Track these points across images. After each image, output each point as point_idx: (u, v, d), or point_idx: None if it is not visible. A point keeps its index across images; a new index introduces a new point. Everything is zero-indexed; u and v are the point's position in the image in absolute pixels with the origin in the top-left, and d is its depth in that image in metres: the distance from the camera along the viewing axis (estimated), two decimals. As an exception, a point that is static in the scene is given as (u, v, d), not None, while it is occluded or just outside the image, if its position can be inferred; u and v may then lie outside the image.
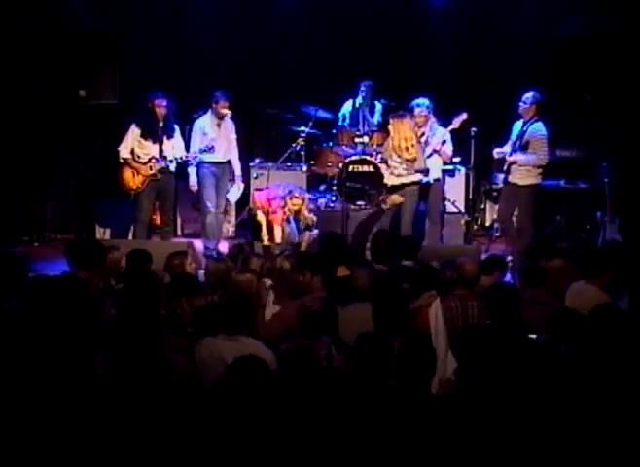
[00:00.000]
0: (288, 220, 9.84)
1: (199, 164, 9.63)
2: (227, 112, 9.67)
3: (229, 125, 9.95)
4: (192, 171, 9.65)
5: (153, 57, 11.09)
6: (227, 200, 10.15)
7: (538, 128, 9.24)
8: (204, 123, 9.71)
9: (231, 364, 4.31)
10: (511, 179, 9.39)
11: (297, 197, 9.78)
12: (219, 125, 9.78)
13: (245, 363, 4.24)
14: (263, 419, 4.01)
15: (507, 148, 9.45)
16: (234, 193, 10.16)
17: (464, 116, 9.62)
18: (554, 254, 7.02)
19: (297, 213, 9.82)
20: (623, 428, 4.03)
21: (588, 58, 10.26)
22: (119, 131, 9.74)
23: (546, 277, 6.38)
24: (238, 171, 10.08)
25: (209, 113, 9.74)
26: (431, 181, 9.67)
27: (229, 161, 9.87)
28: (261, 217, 9.90)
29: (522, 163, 9.25)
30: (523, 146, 9.25)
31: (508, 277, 7.71)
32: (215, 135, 9.70)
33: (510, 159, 9.32)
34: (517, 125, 9.42)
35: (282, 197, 9.80)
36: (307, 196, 9.99)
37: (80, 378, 4.38)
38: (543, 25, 10.79)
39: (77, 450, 3.89)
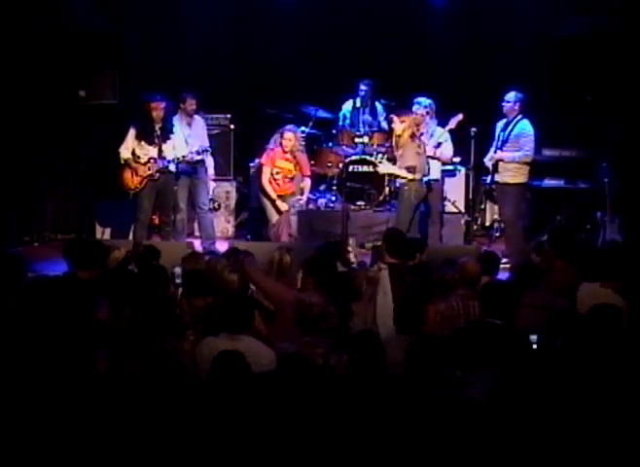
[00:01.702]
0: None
1: (176, 164, 9.64)
2: (194, 108, 9.81)
3: (199, 123, 10.01)
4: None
5: (153, 57, 11.08)
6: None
7: (525, 126, 9.37)
8: (175, 123, 9.71)
9: (213, 361, 4.34)
10: (500, 179, 9.48)
11: (288, 131, 9.84)
12: (189, 124, 9.85)
13: (226, 360, 4.26)
14: (259, 420, 4.02)
15: (489, 154, 9.61)
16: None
17: (460, 117, 9.61)
18: (570, 251, 7.03)
19: (291, 152, 9.84)
20: (623, 430, 4.03)
21: (588, 58, 10.27)
22: (119, 131, 9.74)
23: (542, 277, 6.38)
24: (211, 169, 10.17)
25: (178, 114, 9.76)
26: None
27: (202, 161, 9.88)
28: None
29: (508, 160, 9.36)
30: (510, 143, 9.36)
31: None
32: (186, 134, 9.72)
33: (496, 156, 9.42)
34: (501, 125, 9.54)
35: (274, 141, 9.95)
36: (299, 132, 10.06)
37: (81, 376, 4.38)
38: (543, 25, 10.78)
39: (79, 448, 3.90)
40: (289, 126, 10.00)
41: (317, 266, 6.42)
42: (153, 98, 9.37)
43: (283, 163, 9.90)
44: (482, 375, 4.56)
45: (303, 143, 10.22)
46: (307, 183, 10.19)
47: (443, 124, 9.70)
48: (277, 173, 9.89)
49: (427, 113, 9.63)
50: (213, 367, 4.34)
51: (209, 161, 10.09)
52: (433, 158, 9.63)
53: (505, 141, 9.40)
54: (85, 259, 6.32)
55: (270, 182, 9.86)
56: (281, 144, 9.85)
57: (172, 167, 9.54)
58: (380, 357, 4.65)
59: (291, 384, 4.23)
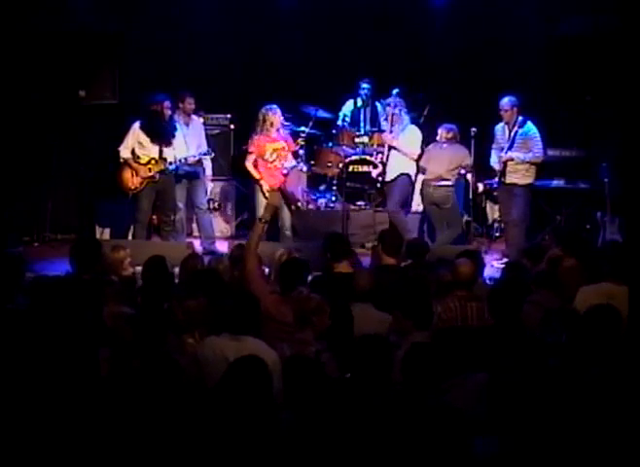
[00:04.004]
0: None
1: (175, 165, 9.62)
2: (193, 108, 9.78)
3: (197, 124, 9.99)
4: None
5: (153, 57, 11.08)
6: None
7: (530, 128, 9.49)
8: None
9: (231, 364, 4.32)
10: (508, 180, 9.58)
11: (269, 110, 9.65)
12: (188, 124, 9.82)
13: (245, 364, 4.25)
14: (262, 419, 4.02)
15: (493, 155, 9.72)
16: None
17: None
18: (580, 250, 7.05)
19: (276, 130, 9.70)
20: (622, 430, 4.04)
21: (588, 58, 10.26)
22: (119, 131, 9.74)
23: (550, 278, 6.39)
24: (209, 170, 10.15)
25: (176, 113, 9.73)
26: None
27: (200, 161, 9.85)
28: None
29: (518, 161, 9.46)
30: (517, 144, 9.48)
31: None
32: (184, 134, 9.70)
33: (506, 156, 9.48)
34: (500, 128, 9.68)
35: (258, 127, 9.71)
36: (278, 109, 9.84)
37: (83, 378, 4.38)
38: (543, 25, 10.79)
39: (81, 450, 3.89)
40: (267, 106, 9.71)
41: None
42: (165, 98, 9.42)
43: (274, 145, 9.70)
44: (459, 380, 4.57)
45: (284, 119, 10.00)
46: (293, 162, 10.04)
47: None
48: (274, 156, 9.71)
49: (396, 106, 9.82)
50: (232, 370, 4.30)
51: (207, 162, 10.08)
52: (396, 149, 9.86)
53: (512, 142, 9.49)
54: (85, 261, 6.36)
55: (268, 169, 9.69)
56: (265, 127, 9.60)
57: (172, 168, 9.54)
58: (385, 361, 4.62)
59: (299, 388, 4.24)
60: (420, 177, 10.08)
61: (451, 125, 9.86)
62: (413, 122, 10.20)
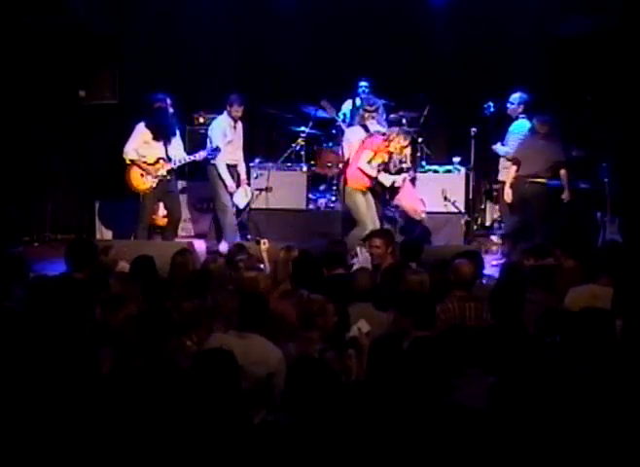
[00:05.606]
0: None
1: (211, 166, 9.65)
2: (239, 116, 9.77)
3: (240, 128, 10.00)
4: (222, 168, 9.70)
5: (153, 57, 11.09)
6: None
7: (519, 126, 9.66)
8: (224, 123, 9.75)
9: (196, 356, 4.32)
10: (500, 178, 9.92)
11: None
12: (235, 128, 9.84)
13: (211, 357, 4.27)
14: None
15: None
16: (242, 197, 10.14)
17: None
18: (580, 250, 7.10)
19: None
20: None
21: (588, 58, 10.28)
22: (119, 131, 9.74)
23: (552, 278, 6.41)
24: (244, 175, 10.09)
25: (225, 114, 9.77)
26: None
27: (235, 166, 9.89)
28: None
29: (495, 150, 9.87)
30: (506, 140, 9.80)
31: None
32: (232, 137, 9.77)
33: (493, 147, 9.88)
34: None
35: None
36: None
37: (83, 377, 4.38)
38: (543, 25, 10.81)
39: (81, 449, 3.89)
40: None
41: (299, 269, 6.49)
42: (168, 97, 9.44)
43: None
44: (470, 378, 4.57)
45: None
46: None
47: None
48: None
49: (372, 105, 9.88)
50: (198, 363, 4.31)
51: (241, 167, 10.03)
52: None
53: (503, 135, 9.80)
54: (79, 260, 6.37)
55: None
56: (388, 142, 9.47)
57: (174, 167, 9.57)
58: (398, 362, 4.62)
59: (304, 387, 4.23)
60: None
61: (545, 116, 9.45)
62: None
